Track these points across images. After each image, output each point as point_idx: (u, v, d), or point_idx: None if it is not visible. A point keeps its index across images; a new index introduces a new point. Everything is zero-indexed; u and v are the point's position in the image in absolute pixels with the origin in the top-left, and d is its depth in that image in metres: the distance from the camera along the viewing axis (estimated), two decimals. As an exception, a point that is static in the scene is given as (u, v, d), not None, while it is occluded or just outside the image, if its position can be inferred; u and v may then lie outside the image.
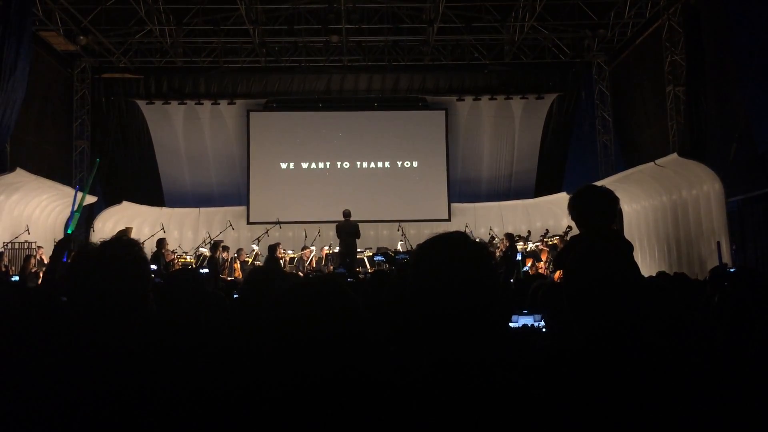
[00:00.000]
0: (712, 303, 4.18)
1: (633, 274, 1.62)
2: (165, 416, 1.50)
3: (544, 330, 2.98)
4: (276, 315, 1.50)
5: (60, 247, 3.44)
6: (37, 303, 2.95)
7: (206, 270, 11.49)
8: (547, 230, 13.22)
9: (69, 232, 4.64)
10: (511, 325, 3.02)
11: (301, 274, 11.84)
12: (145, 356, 1.61)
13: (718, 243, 9.94)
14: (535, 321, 3.04)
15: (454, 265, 1.38)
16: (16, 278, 9.82)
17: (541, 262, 11.90)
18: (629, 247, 3.03)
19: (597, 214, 2.97)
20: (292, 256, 13.47)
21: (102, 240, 1.76)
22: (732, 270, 8.44)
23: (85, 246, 1.79)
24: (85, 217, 15.04)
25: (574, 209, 3.01)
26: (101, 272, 1.64)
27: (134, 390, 1.50)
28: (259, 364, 1.64)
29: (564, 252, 3.98)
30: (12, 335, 2.59)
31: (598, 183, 9.45)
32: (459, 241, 1.44)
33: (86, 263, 1.68)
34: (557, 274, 7.87)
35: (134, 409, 1.48)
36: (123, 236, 1.83)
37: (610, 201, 2.98)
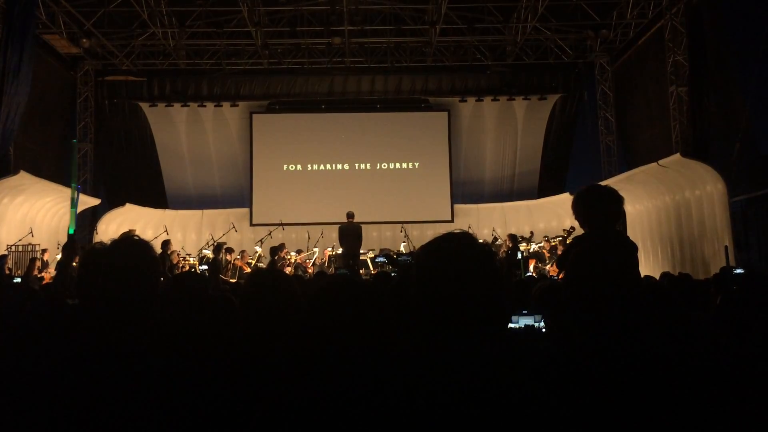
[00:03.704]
0: (714, 304, 4.17)
1: (631, 275, 1.62)
2: (173, 418, 1.50)
3: (544, 330, 2.97)
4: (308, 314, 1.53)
5: (66, 250, 3.45)
6: (44, 304, 2.97)
7: (205, 267, 11.55)
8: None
9: (71, 232, 4.64)
10: (512, 325, 3.01)
11: (309, 273, 11.88)
12: (154, 358, 1.61)
13: (726, 247, 9.92)
14: (535, 321, 3.04)
15: (460, 263, 1.38)
16: (18, 280, 9.83)
17: (548, 264, 11.84)
18: (633, 248, 2.99)
19: (600, 214, 2.92)
20: (295, 258, 13.45)
21: (112, 239, 1.74)
22: (738, 271, 8.43)
23: (94, 246, 1.75)
24: (89, 220, 15.08)
25: (577, 209, 2.97)
26: (112, 272, 1.63)
27: (142, 391, 1.50)
28: (270, 367, 1.65)
29: (566, 253, 3.95)
30: (19, 335, 2.61)
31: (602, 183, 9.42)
32: (464, 240, 1.44)
33: (97, 263, 1.67)
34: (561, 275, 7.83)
35: (143, 411, 1.48)
36: (133, 236, 1.81)
37: (615, 201, 2.93)
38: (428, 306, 1.38)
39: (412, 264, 1.48)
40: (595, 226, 2.91)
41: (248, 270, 11.94)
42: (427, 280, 1.39)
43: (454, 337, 1.35)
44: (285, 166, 16.78)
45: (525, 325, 3.00)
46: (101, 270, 1.64)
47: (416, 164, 16.89)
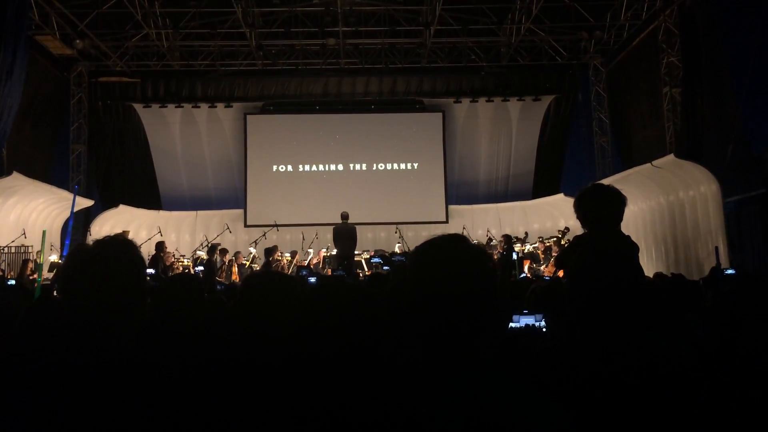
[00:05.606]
0: (706, 305, 4.18)
1: (636, 277, 1.61)
2: (160, 419, 1.49)
3: (544, 330, 2.97)
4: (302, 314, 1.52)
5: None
6: (35, 305, 2.95)
7: (201, 268, 11.53)
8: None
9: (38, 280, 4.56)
10: (513, 325, 3.01)
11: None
12: (138, 359, 1.59)
13: (716, 248, 9.97)
14: (536, 321, 3.03)
15: (453, 266, 1.37)
16: (12, 282, 9.75)
17: (543, 265, 11.85)
18: (635, 249, 2.97)
19: (604, 214, 2.89)
20: (289, 259, 13.42)
21: (96, 239, 1.72)
22: (729, 272, 8.46)
23: (79, 246, 1.73)
24: (82, 221, 15.02)
25: (580, 208, 2.94)
26: (94, 272, 1.61)
27: (125, 396, 1.48)
28: (264, 368, 1.64)
29: (567, 252, 3.92)
30: (12, 337, 2.59)
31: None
32: (458, 242, 1.43)
33: (79, 262, 1.65)
34: (559, 273, 7.82)
35: (128, 414, 1.46)
36: (119, 236, 1.78)
37: (619, 201, 2.91)
38: (422, 308, 1.37)
39: (406, 266, 1.47)
40: (599, 227, 2.89)
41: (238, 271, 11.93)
42: (420, 283, 1.38)
43: (447, 339, 1.35)
44: (279, 167, 16.75)
45: (525, 325, 2.99)
46: (85, 269, 1.62)
47: (411, 165, 16.89)
